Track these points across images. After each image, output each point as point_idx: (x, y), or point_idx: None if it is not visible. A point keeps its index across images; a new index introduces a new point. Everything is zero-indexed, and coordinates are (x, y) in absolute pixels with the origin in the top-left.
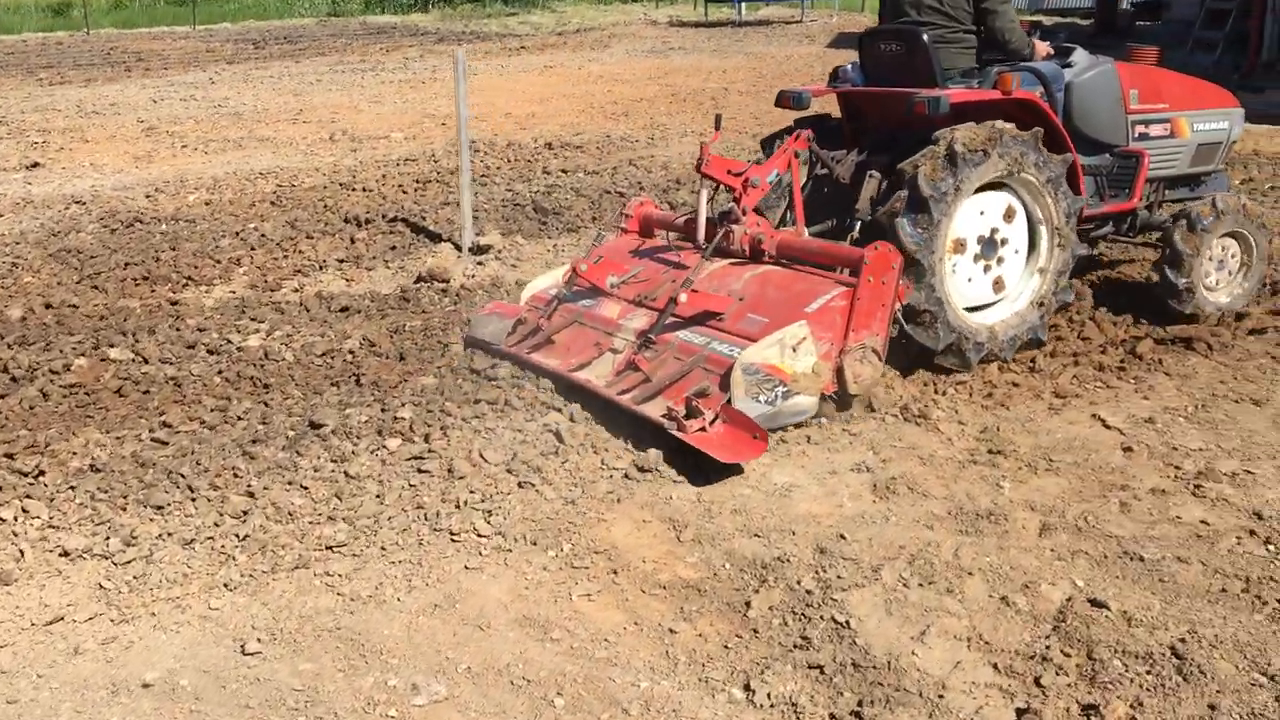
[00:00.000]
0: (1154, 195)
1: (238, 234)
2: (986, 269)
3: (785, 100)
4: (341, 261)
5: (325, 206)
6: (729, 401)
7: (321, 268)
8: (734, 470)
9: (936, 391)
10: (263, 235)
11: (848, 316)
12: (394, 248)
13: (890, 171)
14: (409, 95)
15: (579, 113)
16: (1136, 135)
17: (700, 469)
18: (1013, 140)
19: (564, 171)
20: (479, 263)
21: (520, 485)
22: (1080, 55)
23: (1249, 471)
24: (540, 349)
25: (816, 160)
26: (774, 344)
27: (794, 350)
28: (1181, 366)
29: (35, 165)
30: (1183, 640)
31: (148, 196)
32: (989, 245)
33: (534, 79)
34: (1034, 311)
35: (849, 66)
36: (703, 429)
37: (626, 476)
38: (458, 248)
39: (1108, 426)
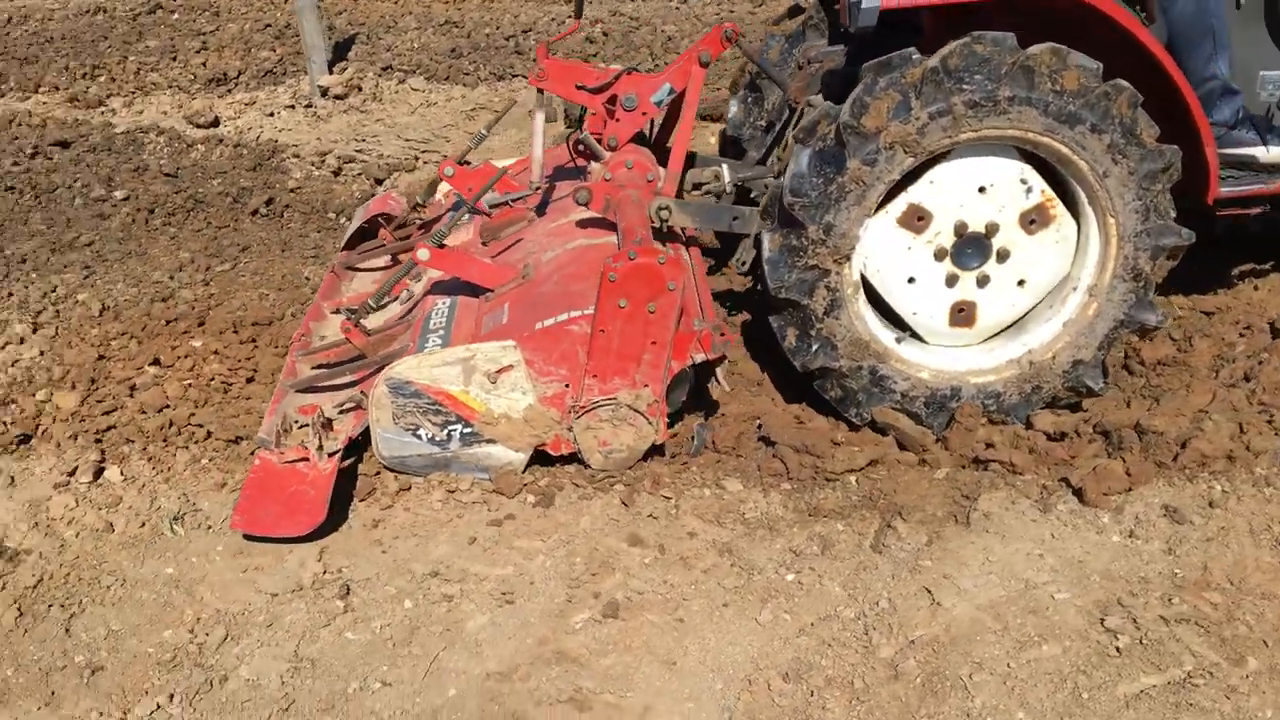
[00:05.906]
0: None
1: (172, 37)
2: (952, 281)
3: None
4: (194, 82)
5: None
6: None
7: (169, 87)
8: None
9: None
10: (178, 37)
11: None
12: (271, 72)
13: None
14: None
15: None
16: None
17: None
18: (1054, 72)
19: None
20: (305, 105)
21: None
22: None
23: None
24: (375, 270)
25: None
26: (454, 363)
27: (490, 381)
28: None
29: None
30: None
31: None
32: (970, 246)
33: None
34: (1011, 380)
35: None
36: (302, 460)
37: None
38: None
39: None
